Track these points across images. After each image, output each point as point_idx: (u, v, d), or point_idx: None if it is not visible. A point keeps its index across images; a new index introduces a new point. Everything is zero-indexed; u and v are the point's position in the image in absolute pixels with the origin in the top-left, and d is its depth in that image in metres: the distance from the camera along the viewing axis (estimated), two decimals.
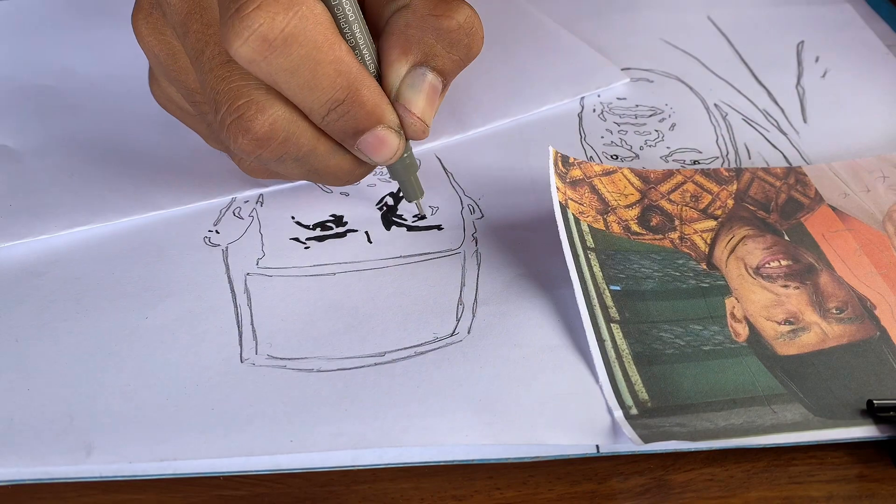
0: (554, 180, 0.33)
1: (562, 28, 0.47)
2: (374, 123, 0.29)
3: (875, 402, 0.28)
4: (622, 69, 0.45)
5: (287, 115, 0.29)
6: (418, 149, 0.39)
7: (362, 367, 0.29)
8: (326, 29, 0.27)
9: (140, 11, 0.31)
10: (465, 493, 0.27)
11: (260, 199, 0.36)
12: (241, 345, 0.30)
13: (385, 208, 0.36)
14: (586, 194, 0.34)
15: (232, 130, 0.29)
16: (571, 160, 0.35)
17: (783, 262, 0.33)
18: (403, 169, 0.33)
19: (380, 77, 0.30)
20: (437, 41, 0.30)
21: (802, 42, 0.48)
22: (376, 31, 0.30)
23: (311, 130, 0.30)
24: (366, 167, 0.32)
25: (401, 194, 0.36)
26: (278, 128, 0.29)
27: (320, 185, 0.36)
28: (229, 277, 0.32)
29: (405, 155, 0.32)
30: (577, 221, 0.33)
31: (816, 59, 0.46)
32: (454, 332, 0.30)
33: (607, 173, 0.36)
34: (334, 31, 0.28)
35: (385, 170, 0.37)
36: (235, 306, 0.31)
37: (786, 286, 0.32)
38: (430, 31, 0.30)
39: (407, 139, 0.31)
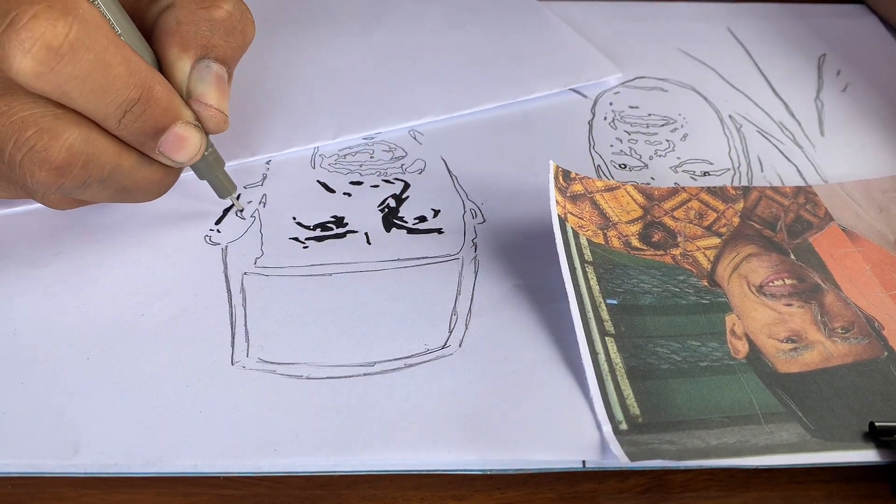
0: (554, 194, 0.33)
1: (562, 21, 0.47)
2: (173, 120, 0.29)
3: (877, 424, 0.27)
4: (637, 77, 0.44)
5: (83, 136, 0.27)
6: (426, 151, 0.39)
7: (351, 376, 0.29)
8: (108, 31, 0.27)
9: None
10: (465, 493, 0.27)
11: (263, 200, 0.36)
12: (232, 346, 0.30)
13: (387, 210, 0.36)
14: (587, 209, 0.34)
15: (26, 166, 0.27)
16: (573, 175, 0.35)
17: (787, 281, 0.32)
18: (208, 166, 0.32)
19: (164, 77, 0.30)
20: (213, 32, 0.30)
21: (824, 55, 0.47)
22: (145, 34, 0.30)
23: (112, 146, 0.28)
24: (174, 173, 0.31)
25: (404, 196, 0.36)
26: (76, 151, 0.27)
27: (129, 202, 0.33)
28: (226, 276, 0.32)
29: (207, 152, 0.32)
30: (576, 235, 0.33)
31: (838, 73, 0.45)
32: (445, 344, 0.30)
33: (610, 189, 0.35)
34: (114, 32, 0.27)
35: (385, 171, 0.37)
36: (230, 306, 0.31)
37: (789, 304, 0.32)
38: (203, 24, 0.30)
39: (207, 134, 0.31)
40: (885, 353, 0.30)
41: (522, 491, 0.27)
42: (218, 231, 0.35)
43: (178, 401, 0.28)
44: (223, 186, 0.34)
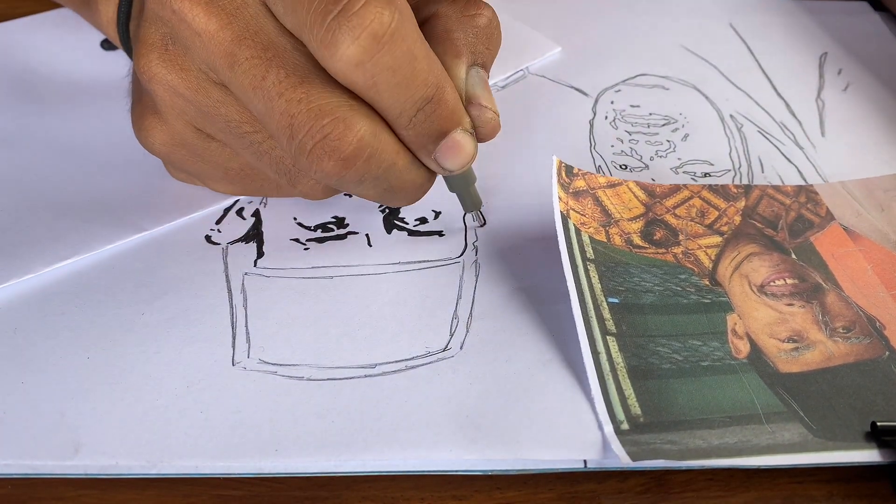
0: (556, 189, 0.33)
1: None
2: (456, 124, 0.29)
3: (879, 423, 0.27)
4: (639, 74, 0.44)
5: (371, 130, 0.27)
6: None
7: (352, 378, 0.29)
8: (416, 23, 0.27)
9: (151, 50, 0.29)
10: (465, 493, 0.27)
11: (263, 200, 0.36)
12: (233, 347, 0.30)
13: (387, 211, 0.36)
14: (589, 205, 0.34)
15: (316, 153, 0.27)
16: (576, 171, 0.35)
17: (789, 281, 0.32)
18: (465, 180, 0.32)
19: None
20: (478, 40, 0.30)
21: (826, 54, 0.47)
22: None
23: (393, 144, 0.29)
24: (433, 179, 0.31)
25: None
26: (365, 144, 0.27)
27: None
28: (227, 277, 0.32)
29: (468, 169, 0.32)
30: (578, 232, 0.33)
31: (839, 72, 0.45)
32: (447, 346, 0.30)
33: (612, 185, 0.35)
34: (418, 26, 0.27)
35: None
36: (231, 307, 0.31)
37: (790, 304, 0.31)
38: (469, 32, 0.30)
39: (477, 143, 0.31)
40: (887, 353, 0.30)
41: (522, 491, 0.27)
42: (219, 231, 0.35)
43: (179, 401, 0.28)
44: (472, 201, 0.34)
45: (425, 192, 0.31)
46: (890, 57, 0.46)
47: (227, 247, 0.34)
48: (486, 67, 0.31)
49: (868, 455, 0.27)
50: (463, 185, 0.33)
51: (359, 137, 0.27)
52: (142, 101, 0.32)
